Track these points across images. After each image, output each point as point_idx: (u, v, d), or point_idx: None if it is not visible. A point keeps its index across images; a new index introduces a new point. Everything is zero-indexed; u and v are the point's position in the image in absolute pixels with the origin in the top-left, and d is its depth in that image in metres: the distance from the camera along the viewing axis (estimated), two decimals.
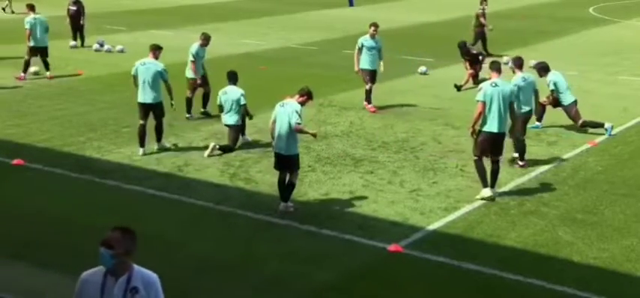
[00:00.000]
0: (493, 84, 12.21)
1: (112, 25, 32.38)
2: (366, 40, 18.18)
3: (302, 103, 11.64)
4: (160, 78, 14.29)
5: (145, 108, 14.28)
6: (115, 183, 12.84)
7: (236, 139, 14.74)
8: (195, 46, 17.20)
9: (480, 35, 26.43)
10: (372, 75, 18.12)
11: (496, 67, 12.47)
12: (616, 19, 37.91)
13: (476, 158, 12.31)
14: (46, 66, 21.16)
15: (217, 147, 14.49)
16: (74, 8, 27.74)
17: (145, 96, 14.24)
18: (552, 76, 16.42)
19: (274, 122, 11.58)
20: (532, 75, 14.94)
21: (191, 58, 17.01)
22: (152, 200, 12.19)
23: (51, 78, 21.02)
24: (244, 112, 14.72)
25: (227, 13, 38.34)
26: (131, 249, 5.59)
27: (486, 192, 12.08)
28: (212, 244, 10.49)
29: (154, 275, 5.67)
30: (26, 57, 20.89)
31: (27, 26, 21.00)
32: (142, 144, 14.34)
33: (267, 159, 14.25)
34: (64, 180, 13.06)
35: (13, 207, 11.76)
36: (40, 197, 12.24)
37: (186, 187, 12.68)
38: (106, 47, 25.86)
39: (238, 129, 14.79)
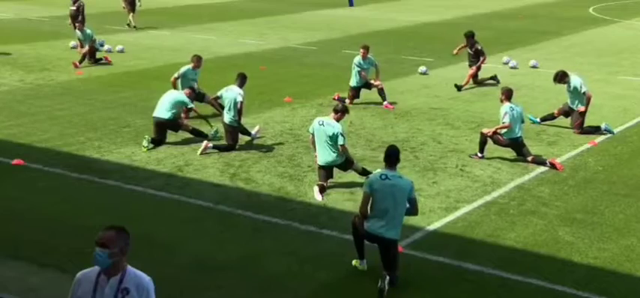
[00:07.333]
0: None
1: (112, 25, 32.39)
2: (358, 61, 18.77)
3: (338, 120, 12.58)
4: (179, 106, 15.12)
5: (157, 124, 14.93)
6: (115, 183, 12.84)
7: (235, 139, 14.74)
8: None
9: None
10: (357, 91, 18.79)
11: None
12: (616, 19, 37.92)
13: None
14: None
15: (211, 146, 14.54)
16: (74, 8, 27.77)
17: (157, 112, 15.03)
18: (580, 79, 16.41)
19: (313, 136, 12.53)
20: (520, 106, 14.65)
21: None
22: (152, 200, 12.18)
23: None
24: (238, 110, 14.65)
25: (227, 13, 38.36)
26: (125, 248, 5.54)
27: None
28: (212, 244, 10.48)
29: (146, 278, 5.59)
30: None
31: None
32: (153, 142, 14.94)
33: (267, 159, 14.26)
34: (64, 180, 13.05)
35: (13, 206, 11.75)
36: (40, 197, 12.24)
37: (186, 187, 12.68)
38: (106, 47, 25.86)
39: (236, 130, 14.78)
